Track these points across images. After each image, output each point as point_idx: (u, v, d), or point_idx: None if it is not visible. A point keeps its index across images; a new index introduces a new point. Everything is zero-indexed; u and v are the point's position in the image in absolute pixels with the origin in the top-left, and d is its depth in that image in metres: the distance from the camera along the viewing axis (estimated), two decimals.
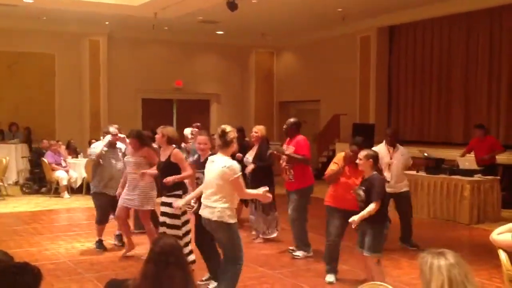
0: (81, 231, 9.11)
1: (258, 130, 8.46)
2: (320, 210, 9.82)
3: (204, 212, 5.32)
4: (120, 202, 7.22)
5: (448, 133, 14.10)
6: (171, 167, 6.41)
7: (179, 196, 6.37)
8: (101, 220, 7.80)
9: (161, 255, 3.13)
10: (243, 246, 5.42)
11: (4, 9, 13.67)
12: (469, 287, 2.52)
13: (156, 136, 6.77)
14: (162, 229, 6.39)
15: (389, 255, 7.55)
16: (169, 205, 6.32)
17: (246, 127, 10.47)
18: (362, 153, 5.64)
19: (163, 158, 6.55)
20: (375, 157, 5.67)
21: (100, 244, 7.85)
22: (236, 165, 5.20)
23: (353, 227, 5.59)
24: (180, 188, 6.47)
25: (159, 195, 6.89)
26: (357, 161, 5.69)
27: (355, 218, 5.49)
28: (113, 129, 7.74)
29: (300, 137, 7.49)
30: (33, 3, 12.82)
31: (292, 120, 7.70)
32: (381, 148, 7.89)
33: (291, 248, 7.65)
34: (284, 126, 7.64)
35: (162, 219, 6.44)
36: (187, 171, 6.41)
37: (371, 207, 5.50)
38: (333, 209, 6.34)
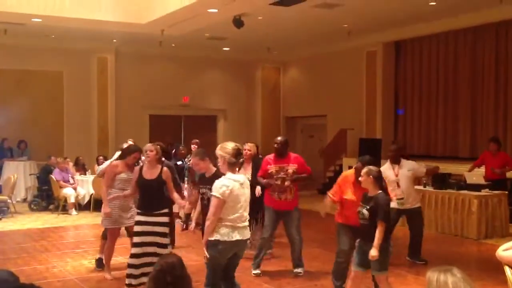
0: (89, 248, 9.12)
1: (250, 147, 8.40)
2: (327, 225, 9.82)
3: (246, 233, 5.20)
4: (117, 223, 7.13)
5: (454, 148, 14.07)
6: (162, 185, 6.41)
7: (168, 215, 6.42)
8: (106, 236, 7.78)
9: (160, 274, 3.17)
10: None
11: (13, 27, 13.84)
12: None
13: (149, 153, 6.49)
14: (152, 249, 6.25)
15: (395, 271, 7.52)
16: (161, 224, 6.30)
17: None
18: (364, 170, 5.54)
19: (150, 175, 6.37)
20: (377, 174, 5.52)
21: (99, 262, 7.72)
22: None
23: (372, 258, 5.31)
24: (168, 206, 6.47)
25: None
26: (359, 178, 5.64)
27: (374, 253, 5.27)
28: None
29: (294, 154, 7.56)
30: (41, 22, 12.97)
31: (282, 138, 7.55)
32: (385, 169, 7.79)
33: (296, 270, 7.54)
34: (277, 145, 7.40)
35: (149, 238, 6.26)
36: (173, 190, 6.46)
37: (380, 229, 5.35)
38: (343, 226, 6.30)
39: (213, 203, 4.95)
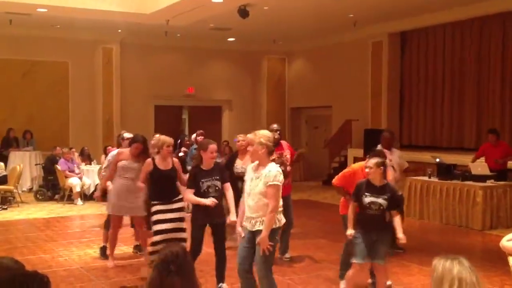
0: (94, 237, 9.16)
1: (245, 138, 8.44)
2: (331, 216, 9.85)
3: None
4: (121, 211, 7.24)
5: (460, 138, 14.04)
6: (176, 174, 6.64)
7: (182, 200, 6.61)
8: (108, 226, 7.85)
9: (164, 263, 3.19)
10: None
11: (18, 17, 13.84)
12: None
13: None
14: (172, 234, 6.39)
15: (399, 262, 7.55)
16: (179, 210, 6.53)
17: None
18: (372, 161, 5.51)
19: (164, 166, 6.55)
20: (385, 164, 5.59)
21: (103, 251, 7.88)
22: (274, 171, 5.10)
23: (403, 241, 5.43)
24: (179, 193, 6.67)
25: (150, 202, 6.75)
26: (367, 169, 5.61)
27: (402, 236, 5.39)
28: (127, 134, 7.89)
29: (284, 141, 7.86)
30: (46, 12, 12.98)
31: (278, 126, 7.78)
32: None
33: (286, 256, 7.72)
34: (278, 136, 7.54)
35: (170, 225, 6.40)
36: (184, 181, 6.58)
37: (399, 218, 5.47)
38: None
39: (275, 191, 4.92)
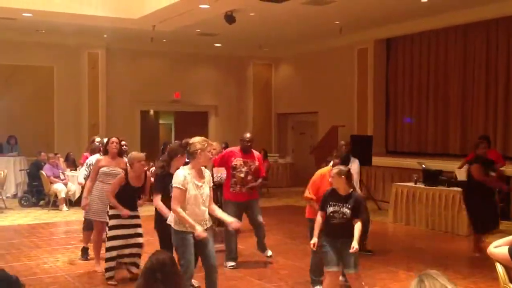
0: (79, 244, 9.04)
1: (215, 146, 8.50)
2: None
3: None
4: (102, 216, 7.23)
5: (445, 144, 14.13)
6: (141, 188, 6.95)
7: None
8: (88, 227, 7.97)
9: (150, 270, 3.18)
10: (192, 258, 5.34)
11: (3, 22, 13.72)
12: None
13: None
14: (137, 239, 6.73)
15: (386, 268, 7.57)
16: (137, 216, 6.82)
17: None
18: (334, 171, 5.51)
19: (137, 183, 6.67)
20: (348, 174, 5.52)
21: (84, 252, 8.07)
22: (176, 174, 5.28)
23: (352, 251, 5.31)
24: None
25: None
26: (329, 179, 5.62)
27: (356, 246, 5.29)
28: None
29: (256, 152, 7.86)
30: (32, 16, 12.88)
31: (251, 136, 7.76)
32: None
33: (267, 253, 7.85)
34: (248, 143, 7.59)
35: (128, 231, 6.67)
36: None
37: (360, 225, 5.41)
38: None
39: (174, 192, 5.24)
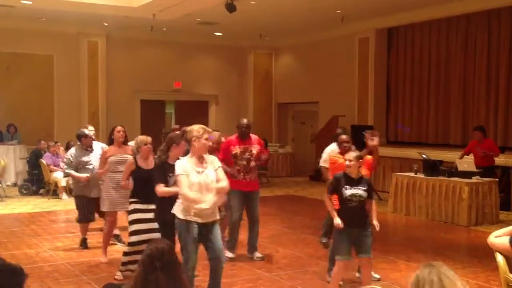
0: (79, 232, 9.06)
1: (215, 134, 8.43)
2: (318, 211, 9.85)
3: None
4: (116, 206, 7.25)
5: (446, 135, 14.11)
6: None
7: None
8: (81, 219, 8.08)
9: (149, 259, 3.17)
10: (193, 250, 5.27)
11: (2, 9, 13.66)
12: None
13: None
14: (157, 235, 6.19)
15: (387, 257, 7.57)
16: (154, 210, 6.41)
17: None
18: (352, 155, 5.60)
19: (146, 165, 6.48)
20: (361, 157, 5.74)
21: (83, 242, 8.12)
22: (177, 164, 5.29)
23: (377, 229, 5.60)
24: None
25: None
26: (346, 162, 5.64)
27: (378, 224, 5.59)
28: (91, 130, 8.26)
29: (254, 136, 7.66)
30: (31, 4, 12.81)
31: (248, 121, 7.61)
32: (334, 148, 7.47)
33: (258, 255, 7.60)
34: (245, 129, 7.45)
35: (146, 226, 6.33)
36: None
37: (374, 203, 5.66)
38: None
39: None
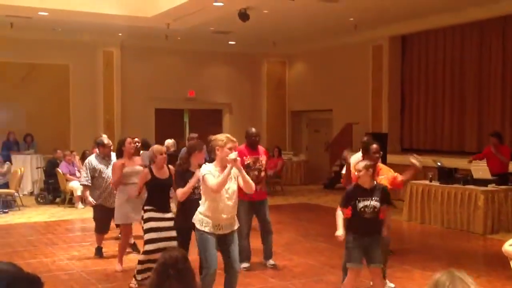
0: (95, 241, 9.14)
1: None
2: (332, 219, 9.80)
3: None
4: (129, 219, 7.31)
5: (461, 142, 14.02)
6: (171, 183, 6.63)
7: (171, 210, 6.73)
8: (97, 230, 8.17)
9: (163, 267, 3.20)
10: (214, 259, 5.29)
11: (19, 20, 13.84)
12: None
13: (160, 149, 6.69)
14: (172, 243, 6.29)
15: (401, 266, 7.53)
16: (172, 219, 6.46)
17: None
18: (361, 165, 5.51)
19: (161, 175, 6.49)
20: (373, 167, 5.60)
21: (99, 251, 8.16)
22: (202, 168, 5.36)
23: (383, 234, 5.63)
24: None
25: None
26: (356, 173, 5.60)
27: (385, 233, 5.64)
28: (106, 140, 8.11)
29: (261, 147, 7.71)
30: (47, 15, 12.98)
31: (257, 131, 7.66)
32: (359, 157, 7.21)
33: (270, 262, 7.58)
34: (256, 138, 7.48)
35: (163, 234, 6.35)
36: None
37: (389, 212, 5.68)
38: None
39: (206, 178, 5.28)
